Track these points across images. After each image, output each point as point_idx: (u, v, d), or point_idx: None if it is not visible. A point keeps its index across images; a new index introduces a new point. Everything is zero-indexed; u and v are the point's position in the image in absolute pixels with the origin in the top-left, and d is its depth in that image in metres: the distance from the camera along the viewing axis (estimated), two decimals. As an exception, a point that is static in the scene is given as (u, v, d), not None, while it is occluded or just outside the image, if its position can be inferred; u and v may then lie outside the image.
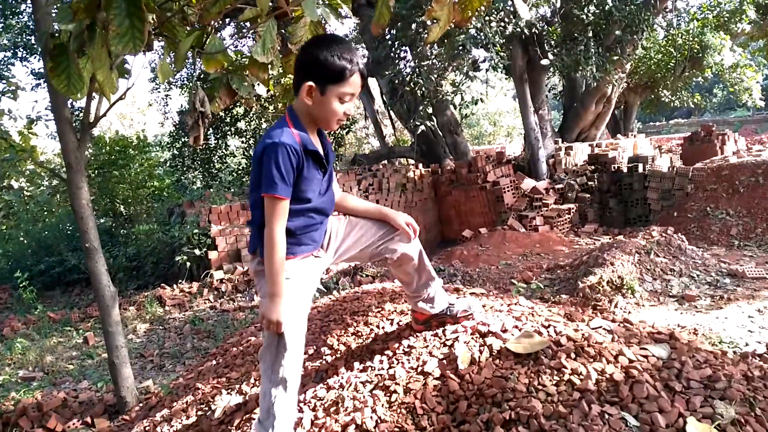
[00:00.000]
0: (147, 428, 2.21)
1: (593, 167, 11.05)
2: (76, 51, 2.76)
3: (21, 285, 7.92)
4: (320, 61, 1.72)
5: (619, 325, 1.97)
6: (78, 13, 2.45)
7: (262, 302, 1.76)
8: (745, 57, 15.70)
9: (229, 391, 2.16)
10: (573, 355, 1.69)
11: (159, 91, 15.85)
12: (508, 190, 10.64)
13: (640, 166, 10.30)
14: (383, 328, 2.18)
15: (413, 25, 9.19)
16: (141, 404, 2.87)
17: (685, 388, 1.55)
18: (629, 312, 4.87)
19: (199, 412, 2.09)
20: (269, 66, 3.01)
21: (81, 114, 4.61)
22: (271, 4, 2.65)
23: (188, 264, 8.60)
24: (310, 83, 1.73)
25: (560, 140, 12.48)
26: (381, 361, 1.92)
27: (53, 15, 3.42)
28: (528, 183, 10.82)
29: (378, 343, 2.05)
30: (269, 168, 1.67)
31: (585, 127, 13.20)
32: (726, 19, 14.88)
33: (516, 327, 1.90)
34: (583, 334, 1.79)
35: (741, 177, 8.81)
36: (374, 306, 2.44)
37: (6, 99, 14.04)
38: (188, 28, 2.90)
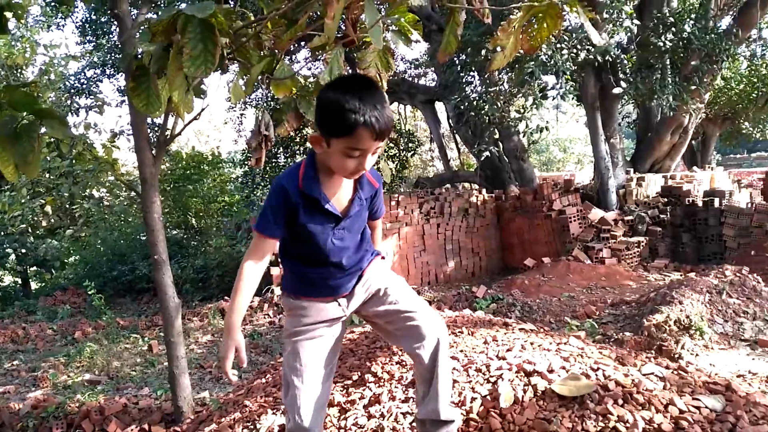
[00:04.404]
0: (195, 442, 2.28)
1: (666, 200, 10.63)
2: (156, 72, 2.92)
3: (90, 293, 8.32)
4: (323, 110, 1.57)
5: (673, 372, 1.88)
6: (156, 35, 2.58)
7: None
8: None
9: (274, 411, 2.19)
10: (620, 402, 1.63)
11: (234, 110, 16.48)
12: (575, 220, 10.38)
13: (717, 200, 9.83)
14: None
15: (483, 51, 9.19)
16: (193, 417, 2.95)
17: (739, 445, 1.46)
18: (696, 355, 4.63)
19: (245, 430, 2.14)
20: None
21: (159, 131, 4.86)
22: (342, 28, 2.73)
23: (251, 279, 8.84)
24: (316, 133, 1.62)
25: (632, 170, 12.09)
26: (423, 393, 1.90)
27: (136, 38, 3.64)
28: (596, 213, 10.52)
29: (422, 374, 2.04)
30: (264, 204, 1.66)
31: (659, 158, 12.74)
32: (816, 48, 14.13)
33: (563, 368, 1.85)
34: (633, 380, 1.73)
35: (828, 216, 8.27)
36: (421, 336, 2.43)
37: (93, 113, 14.93)
38: (262, 53, 3.02)
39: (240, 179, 16.51)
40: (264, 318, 8.04)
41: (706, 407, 1.61)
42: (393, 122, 1.61)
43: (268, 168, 15.42)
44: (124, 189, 13.03)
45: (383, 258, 1.91)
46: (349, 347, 2.56)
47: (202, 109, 4.26)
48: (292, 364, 1.67)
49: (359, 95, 1.51)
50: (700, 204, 10.06)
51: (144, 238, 11.94)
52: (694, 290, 5.52)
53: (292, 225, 1.66)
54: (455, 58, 10.57)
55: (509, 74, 10.21)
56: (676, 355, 4.56)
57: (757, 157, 31.01)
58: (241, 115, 16.64)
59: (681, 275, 8.47)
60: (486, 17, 2.52)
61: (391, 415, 1.84)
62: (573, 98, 11.20)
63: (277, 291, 8.51)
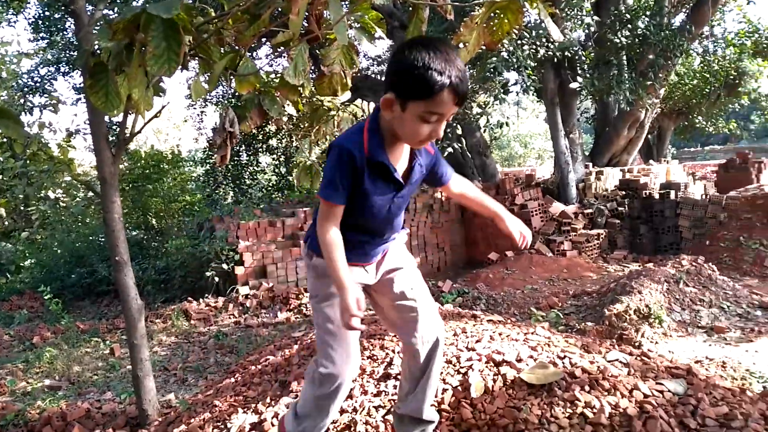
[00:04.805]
0: (163, 443, 2.25)
1: (624, 193, 10.90)
2: (115, 69, 2.85)
3: (47, 297, 8.11)
4: (403, 70, 1.46)
5: (636, 358, 1.94)
6: (117, 33, 2.53)
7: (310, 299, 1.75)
8: (783, 84, 15.42)
9: (245, 410, 2.18)
10: (587, 388, 1.68)
11: (194, 108, 16.21)
12: (536, 214, 10.55)
13: (673, 192, 10.13)
14: (399, 353, 2.19)
15: (445, 48, 9.25)
16: (161, 419, 2.91)
17: (700, 425, 1.52)
18: (656, 342, 4.77)
19: (215, 430, 2.12)
20: (300, 88, 3.07)
21: (117, 130, 4.76)
22: (305, 24, 2.71)
23: (216, 279, 8.72)
24: (390, 95, 1.50)
25: (591, 164, 12.36)
26: (395, 387, 1.92)
27: (94, 34, 3.55)
28: (557, 207, 10.72)
29: (393, 368, 2.05)
30: (326, 170, 1.57)
31: (617, 152, 13.06)
32: (764, 45, 14.66)
33: (531, 357, 1.90)
34: (598, 367, 1.78)
35: (777, 206, 8.60)
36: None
37: (47, 112, 14.52)
38: (223, 49, 2.98)
39: (201, 178, 16.28)
40: (229, 318, 7.96)
41: (669, 391, 1.67)
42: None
43: (230, 166, 15.25)
44: (81, 189, 12.71)
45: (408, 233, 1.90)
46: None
47: (163, 107, 4.18)
48: (327, 327, 1.66)
49: (445, 56, 1.44)
50: (657, 196, 10.35)
51: (103, 239, 11.67)
52: (652, 280, 5.68)
53: (353, 190, 1.59)
54: (418, 55, 10.60)
55: (472, 70, 10.31)
56: (637, 344, 4.69)
57: (710, 150, 32.12)
58: (202, 112, 16.37)
59: (639, 266, 8.70)
60: (448, 14, 2.55)
61: (363, 409, 1.85)
62: (533, 94, 11.39)
63: (243, 291, 8.44)
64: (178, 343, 7.31)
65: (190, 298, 8.83)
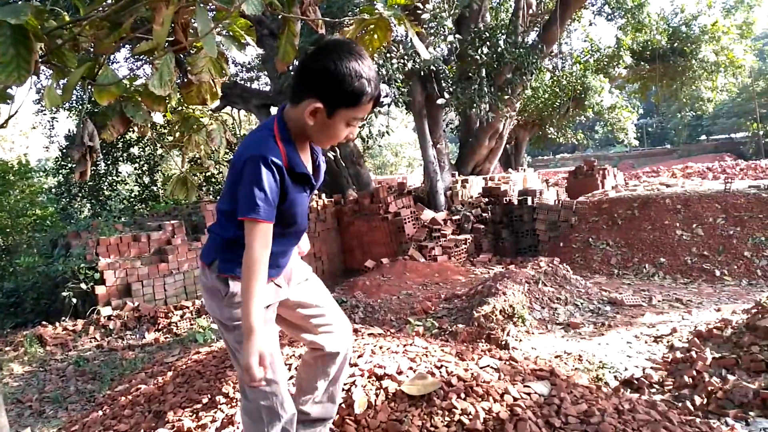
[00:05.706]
0: (20, 490, 2.04)
1: (487, 200, 11.56)
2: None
3: None
4: (335, 79, 1.45)
5: (505, 363, 2.07)
6: (-41, 38, 2.27)
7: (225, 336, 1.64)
8: (622, 99, 17.15)
9: (115, 445, 2.04)
10: (463, 395, 1.76)
11: (44, 114, 14.89)
12: (409, 221, 10.87)
13: (529, 198, 10.90)
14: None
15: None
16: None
17: (563, 423, 1.66)
18: (520, 340, 5.10)
19: (81, 470, 1.97)
20: (167, 98, 2.93)
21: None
22: (171, 29, 2.60)
23: (73, 300, 8.06)
24: (318, 104, 1.47)
25: (457, 173, 12.97)
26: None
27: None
28: (427, 214, 11.11)
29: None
30: (250, 187, 1.43)
31: (479, 161, 13.81)
32: (605, 63, 16.28)
33: (411, 368, 1.96)
34: (472, 374, 1.88)
35: (619, 210, 9.54)
36: (271, 350, 2.41)
37: None
38: (79, 55, 2.78)
39: (54, 189, 15.00)
40: (90, 342, 7.39)
41: (536, 393, 1.80)
42: None
43: (87, 178, 14.22)
44: None
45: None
46: (196, 369, 2.45)
47: (10, 116, 3.81)
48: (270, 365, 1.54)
49: (368, 62, 1.49)
50: (516, 202, 11.09)
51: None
52: (514, 281, 6.05)
53: (280, 202, 1.52)
54: (290, 65, 10.58)
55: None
56: (503, 342, 4.98)
57: (561, 158, 35.14)
58: (53, 118, 15.07)
59: (503, 268, 9.24)
60: (319, 27, 2.57)
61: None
62: (403, 106, 11.77)
63: (104, 312, 7.88)
64: (32, 372, 6.68)
65: (44, 322, 8.09)
